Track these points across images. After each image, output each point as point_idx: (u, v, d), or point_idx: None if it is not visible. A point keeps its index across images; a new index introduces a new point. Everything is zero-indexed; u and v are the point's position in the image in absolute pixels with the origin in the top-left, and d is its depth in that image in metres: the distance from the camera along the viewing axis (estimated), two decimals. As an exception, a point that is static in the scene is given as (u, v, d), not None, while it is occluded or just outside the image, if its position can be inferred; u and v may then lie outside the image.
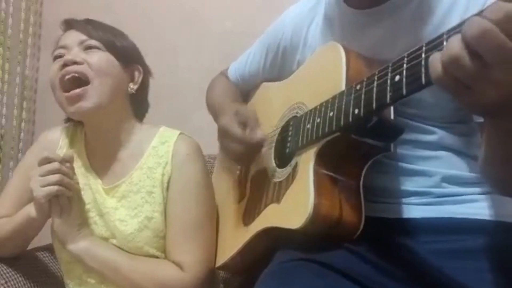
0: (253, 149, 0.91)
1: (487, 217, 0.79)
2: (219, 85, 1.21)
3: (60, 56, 1.01)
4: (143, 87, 1.10)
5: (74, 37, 1.03)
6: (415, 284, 0.75)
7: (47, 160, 0.96)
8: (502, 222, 0.79)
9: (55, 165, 0.95)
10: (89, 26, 1.04)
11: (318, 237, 0.76)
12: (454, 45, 0.49)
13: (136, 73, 1.08)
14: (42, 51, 2.02)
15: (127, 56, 1.06)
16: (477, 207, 0.80)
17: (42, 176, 0.94)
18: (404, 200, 0.82)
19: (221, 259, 1.03)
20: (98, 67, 0.99)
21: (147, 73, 1.12)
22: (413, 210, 0.81)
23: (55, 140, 1.12)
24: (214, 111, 1.14)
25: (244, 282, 1.09)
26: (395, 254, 0.77)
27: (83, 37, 1.02)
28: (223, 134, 0.95)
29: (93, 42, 1.01)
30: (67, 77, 0.98)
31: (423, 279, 0.75)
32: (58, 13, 1.99)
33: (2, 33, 1.94)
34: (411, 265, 0.76)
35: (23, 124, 2.00)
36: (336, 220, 0.74)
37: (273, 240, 0.88)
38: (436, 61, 0.51)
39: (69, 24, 1.06)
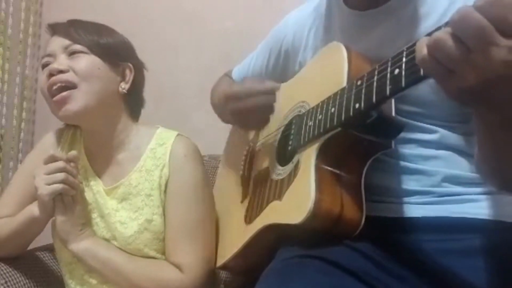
0: (269, 94, 0.92)
1: (487, 217, 0.79)
2: (224, 83, 1.21)
3: (47, 65, 1.01)
4: (136, 84, 1.08)
5: (58, 43, 1.02)
6: (416, 282, 0.75)
7: (53, 159, 0.96)
8: (502, 222, 0.79)
9: (60, 163, 0.95)
10: (71, 29, 1.02)
11: (319, 234, 0.76)
12: (440, 30, 0.51)
13: (127, 72, 1.06)
14: (42, 51, 2.02)
15: (115, 55, 1.04)
16: (478, 206, 0.80)
17: (47, 174, 0.95)
18: (406, 199, 0.82)
19: (223, 259, 1.03)
20: (84, 72, 0.98)
21: (139, 69, 1.10)
22: (415, 209, 0.81)
23: (56, 142, 1.12)
24: (220, 104, 1.11)
25: (245, 283, 1.09)
26: (396, 253, 0.77)
27: (66, 42, 1.01)
28: (234, 99, 0.96)
29: (77, 47, 1.00)
30: (54, 87, 0.98)
31: (424, 278, 0.75)
32: (58, 13, 2.00)
33: (2, 33, 1.94)
34: (412, 263, 0.76)
35: (23, 124, 2.01)
36: (337, 216, 0.74)
37: (275, 239, 0.88)
38: (421, 44, 0.52)
39: (53, 29, 1.05)
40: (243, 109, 0.95)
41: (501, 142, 0.60)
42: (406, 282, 0.75)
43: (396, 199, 0.82)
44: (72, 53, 1.00)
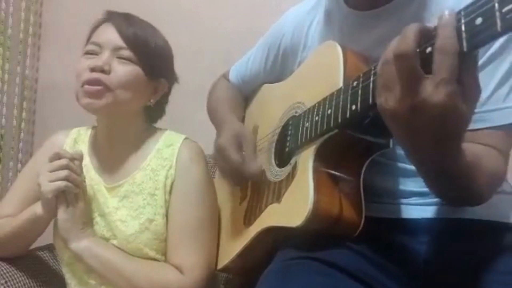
0: (247, 179, 0.95)
1: (485, 218, 0.79)
2: (220, 92, 1.21)
3: (92, 53, 1.00)
4: (163, 98, 1.11)
5: (110, 38, 1.00)
6: (415, 283, 0.75)
7: (57, 156, 0.97)
8: (501, 223, 0.79)
9: (63, 161, 0.96)
10: (126, 24, 1.02)
11: (318, 235, 0.76)
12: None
13: (160, 89, 1.07)
14: (42, 51, 2.03)
15: (157, 68, 1.05)
16: (476, 208, 0.79)
17: (50, 171, 0.95)
18: (404, 200, 0.82)
19: (223, 261, 1.03)
20: (124, 81, 0.98)
21: (172, 82, 1.11)
22: (413, 211, 0.81)
23: (61, 143, 1.13)
24: (214, 122, 1.14)
25: (245, 283, 1.09)
26: (395, 254, 0.77)
27: (119, 42, 1.00)
28: (220, 155, 0.97)
29: (126, 53, 1.00)
30: (89, 86, 0.97)
31: (423, 279, 0.75)
32: (58, 13, 2.00)
33: (2, 33, 1.95)
34: (411, 264, 0.77)
35: (23, 124, 2.01)
36: (336, 217, 0.74)
37: (274, 241, 0.88)
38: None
39: (108, 16, 1.04)
40: (224, 168, 0.98)
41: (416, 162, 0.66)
42: (405, 283, 0.75)
43: (394, 200, 0.82)
44: (120, 57, 1.00)
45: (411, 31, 0.54)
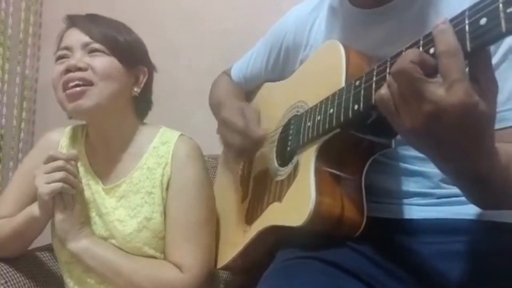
0: (254, 144, 0.91)
1: (488, 218, 0.78)
2: (222, 84, 1.21)
3: (64, 57, 1.00)
4: (147, 87, 1.09)
5: (77, 38, 1.00)
6: (417, 284, 0.75)
7: (52, 158, 0.96)
8: (503, 223, 0.78)
9: (60, 162, 0.96)
10: (92, 25, 1.01)
11: (320, 235, 0.76)
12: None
13: (141, 76, 1.07)
14: (42, 51, 2.03)
15: (131, 57, 1.03)
16: (478, 208, 0.79)
17: (47, 173, 0.95)
18: (406, 200, 0.81)
19: (223, 260, 1.03)
20: (103, 72, 0.97)
21: (151, 72, 1.10)
22: (415, 211, 0.80)
23: (56, 141, 1.12)
24: (217, 109, 1.12)
25: (245, 282, 1.09)
26: (397, 254, 0.77)
27: (86, 39, 0.99)
28: (225, 126, 0.95)
29: (97, 46, 0.99)
30: (70, 84, 0.96)
31: (425, 280, 0.75)
32: (58, 13, 1.99)
33: (2, 33, 1.95)
34: (413, 265, 0.76)
35: (23, 124, 2.01)
36: (338, 217, 0.74)
37: (275, 240, 0.88)
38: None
39: (72, 21, 1.04)
40: (231, 139, 0.95)
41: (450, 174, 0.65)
42: (406, 284, 0.75)
43: (396, 200, 0.82)
44: (91, 51, 0.99)
45: (407, 55, 0.55)
